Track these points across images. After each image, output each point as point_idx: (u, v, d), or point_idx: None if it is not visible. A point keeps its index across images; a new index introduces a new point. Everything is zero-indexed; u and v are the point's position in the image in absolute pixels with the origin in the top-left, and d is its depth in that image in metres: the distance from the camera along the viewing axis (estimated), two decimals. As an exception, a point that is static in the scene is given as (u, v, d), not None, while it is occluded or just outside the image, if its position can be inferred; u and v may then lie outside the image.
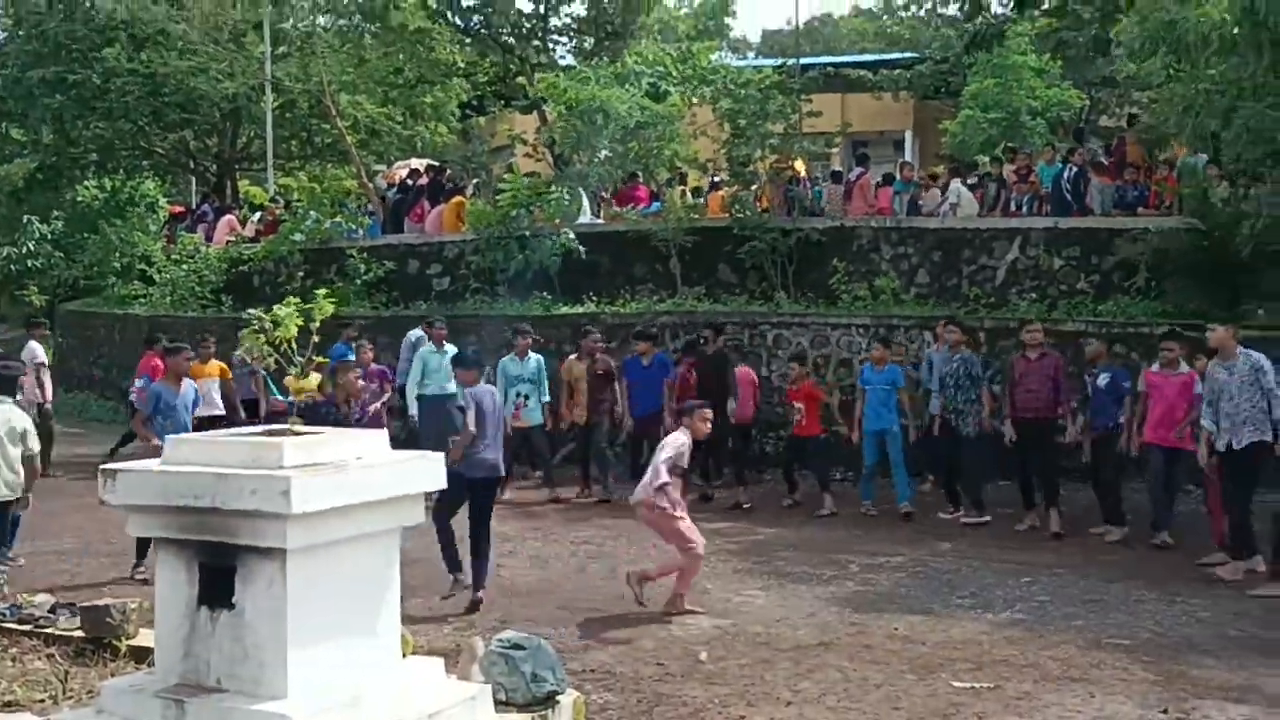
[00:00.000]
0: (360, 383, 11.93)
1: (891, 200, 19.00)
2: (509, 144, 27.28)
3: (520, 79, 32.76)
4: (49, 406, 15.69)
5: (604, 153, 20.74)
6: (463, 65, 32.06)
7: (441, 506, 9.39)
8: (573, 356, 14.76)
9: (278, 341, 5.24)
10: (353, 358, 13.47)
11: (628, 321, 16.32)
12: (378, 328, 17.60)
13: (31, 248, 27.31)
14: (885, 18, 48.31)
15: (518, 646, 6.17)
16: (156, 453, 5.80)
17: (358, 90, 29.75)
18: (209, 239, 23.53)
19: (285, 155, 33.28)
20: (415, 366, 14.71)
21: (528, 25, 35.09)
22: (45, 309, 25.18)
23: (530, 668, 6.08)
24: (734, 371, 14.17)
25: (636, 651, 8.21)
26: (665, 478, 9.18)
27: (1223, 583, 10.05)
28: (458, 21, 34.18)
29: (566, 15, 35.52)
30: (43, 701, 6.56)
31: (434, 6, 32.61)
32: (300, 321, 5.22)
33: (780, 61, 25.83)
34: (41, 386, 15.38)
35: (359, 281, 19.32)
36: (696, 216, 18.60)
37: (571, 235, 17.82)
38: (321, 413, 11.28)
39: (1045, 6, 26.13)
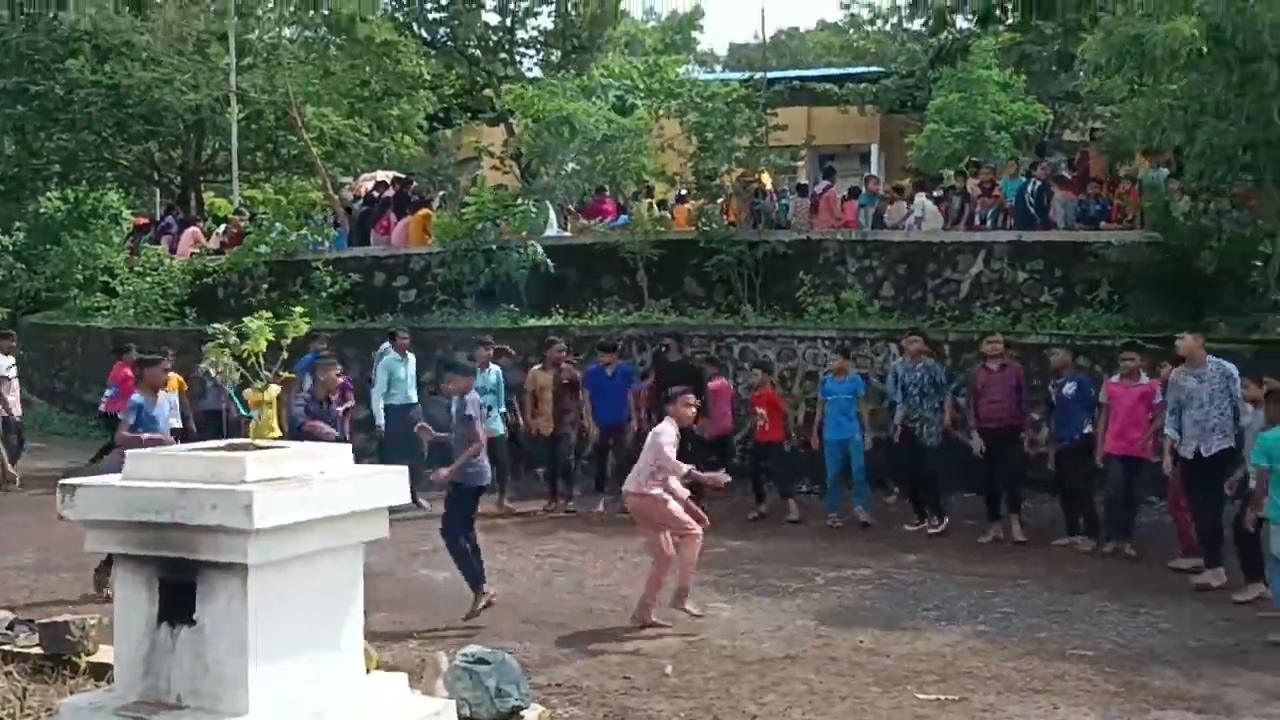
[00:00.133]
0: (340, 379, 12.09)
1: (857, 214, 19.09)
2: (476, 156, 27.29)
3: (487, 91, 32.76)
4: (15, 419, 15.51)
5: (571, 165, 20.76)
6: (429, 78, 32.00)
7: (458, 521, 9.39)
8: (537, 367, 14.72)
9: (244, 355, 5.21)
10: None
11: (595, 334, 16.31)
12: (344, 340, 17.51)
13: (-7, 259, 27.01)
14: (851, 32, 48.51)
15: (482, 661, 6.15)
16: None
17: (324, 102, 29.62)
18: (173, 251, 23.34)
19: (250, 167, 33.07)
20: (381, 377, 14.65)
21: (494, 38, 35.09)
22: (7, 321, 24.91)
23: (495, 682, 6.07)
24: (707, 385, 13.72)
25: (602, 665, 8.19)
26: (667, 458, 9.15)
27: (1209, 590, 10.12)
28: (424, 34, 34.14)
29: (533, 28, 35.60)
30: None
31: (400, 19, 32.56)
32: (271, 337, 5.20)
33: (747, 75, 25.90)
34: (3, 401, 15.17)
35: (325, 294, 19.23)
36: (663, 229, 18.64)
37: (538, 248, 17.81)
38: (313, 410, 11.34)
39: (1009, 22, 26.36)
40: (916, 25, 34.03)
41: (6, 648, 7.63)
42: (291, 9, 30.57)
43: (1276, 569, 8.85)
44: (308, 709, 4.73)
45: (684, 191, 21.08)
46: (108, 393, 15.54)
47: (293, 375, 5.62)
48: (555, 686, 7.66)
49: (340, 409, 12.38)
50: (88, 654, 7.31)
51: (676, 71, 23.39)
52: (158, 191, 35.53)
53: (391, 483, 5.16)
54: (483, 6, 34.08)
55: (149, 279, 21.62)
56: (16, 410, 15.73)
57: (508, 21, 34.79)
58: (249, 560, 4.52)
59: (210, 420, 15.06)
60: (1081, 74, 21.55)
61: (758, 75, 24.52)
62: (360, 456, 5.32)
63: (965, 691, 7.56)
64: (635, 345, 16.26)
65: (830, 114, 29.14)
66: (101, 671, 6.84)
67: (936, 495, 13.06)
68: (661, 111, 21.69)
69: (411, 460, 13.68)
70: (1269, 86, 11.77)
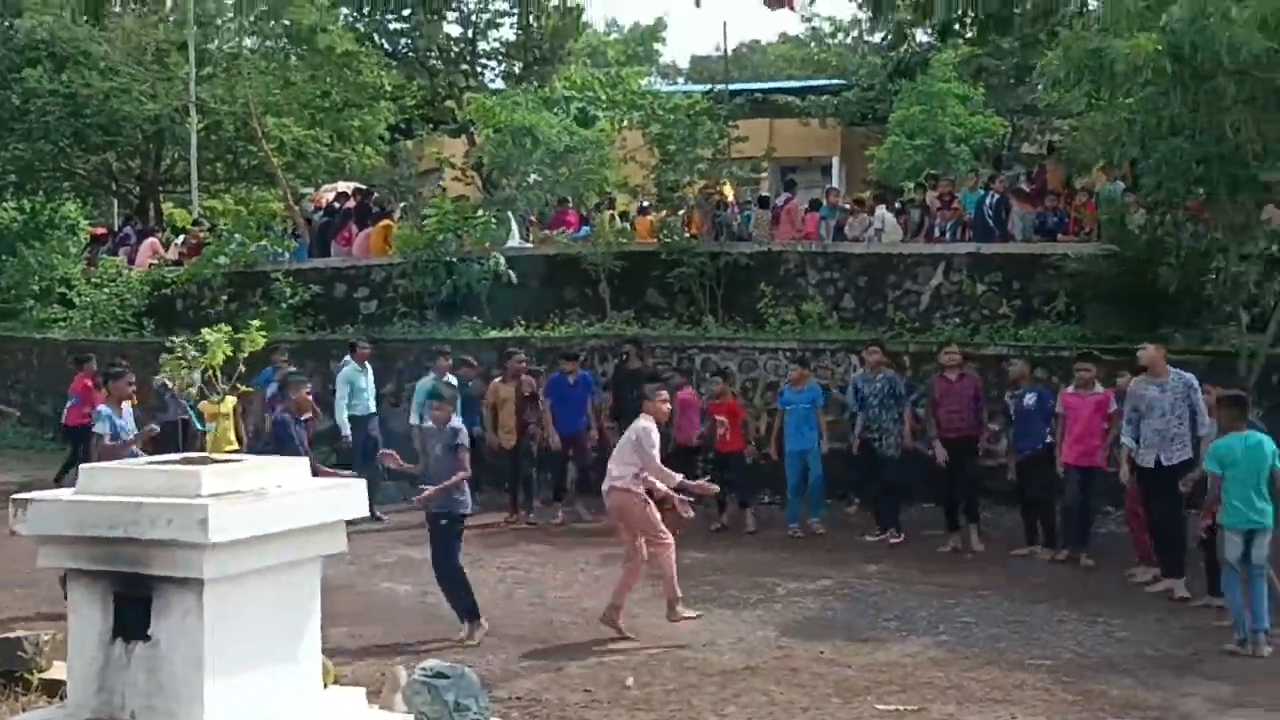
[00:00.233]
0: (308, 397, 12.10)
1: (818, 226, 19.16)
2: (437, 167, 27.15)
3: (449, 103, 32.66)
4: None
5: (533, 177, 20.73)
6: (390, 88, 31.89)
7: (451, 550, 9.29)
8: (498, 379, 14.66)
9: (202, 367, 5.17)
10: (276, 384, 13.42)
11: (557, 345, 16.28)
12: (304, 351, 17.40)
13: (-54, 270, 26.65)
14: (812, 45, 48.68)
15: (441, 675, 6.13)
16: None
17: (284, 112, 29.44)
18: (131, 262, 23.12)
19: (210, 177, 32.83)
20: (342, 389, 14.59)
21: (456, 49, 35.02)
22: (-39, 333, 24.60)
23: (454, 696, 6.04)
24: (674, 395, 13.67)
25: (563, 678, 8.17)
26: (660, 467, 9.15)
27: (1171, 598, 10.20)
28: (385, 45, 34.00)
29: (495, 40, 35.56)
30: (-49, 738, 6.39)
31: (361, 30, 32.44)
32: (229, 350, 5.17)
33: (709, 87, 25.97)
34: None
35: (285, 305, 19.11)
36: (625, 241, 18.66)
37: (500, 259, 17.76)
38: (288, 427, 11.25)
39: (968, 35, 26.56)
40: (877, 38, 34.23)
41: (-42, 665, 7.52)
42: (252, 19, 30.38)
43: (1232, 576, 8.94)
44: (264, 725, 4.69)
45: (646, 203, 21.11)
46: (69, 404, 15.38)
47: (249, 390, 5.58)
48: (515, 700, 7.63)
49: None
50: (40, 671, 7.21)
51: (639, 83, 23.45)
52: (116, 202, 35.20)
53: (349, 496, 5.14)
54: (444, 18, 34.00)
55: (106, 290, 21.41)
56: None
57: (469, 33, 34.74)
58: (204, 575, 4.48)
59: (169, 433, 14.91)
60: (1040, 87, 21.79)
61: (720, 87, 24.57)
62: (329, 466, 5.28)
63: (925, 702, 7.59)
64: (597, 356, 16.24)
65: (792, 126, 29.26)
66: (54, 688, 6.76)
67: (896, 507, 13.12)
68: (624, 123, 21.72)
69: (372, 472, 13.68)
70: (1225, 102, 11.93)
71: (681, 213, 18.67)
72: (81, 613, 4.77)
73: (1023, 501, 12.51)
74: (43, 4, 27.54)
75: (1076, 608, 10.00)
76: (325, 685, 5.38)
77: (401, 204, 24.44)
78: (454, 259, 18.01)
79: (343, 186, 25.63)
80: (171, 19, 30.56)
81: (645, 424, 9.39)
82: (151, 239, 24.44)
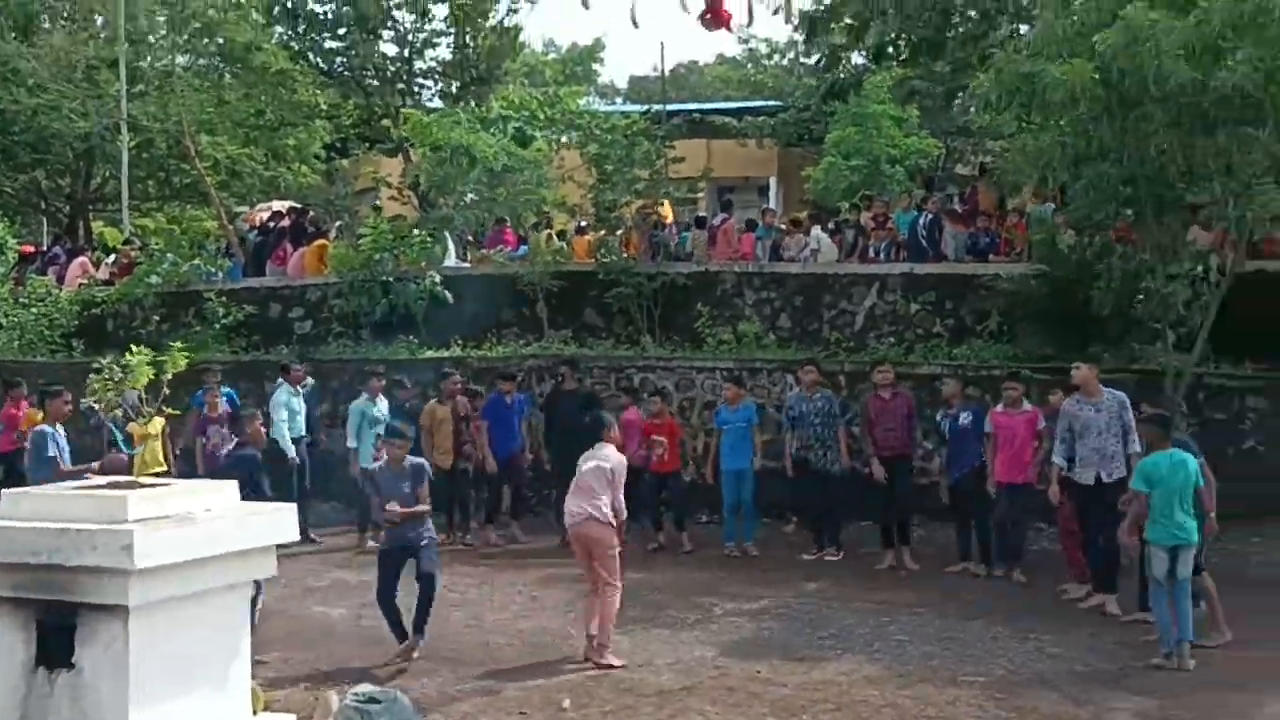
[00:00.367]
0: (261, 429, 12.22)
1: (754, 246, 19.25)
2: (374, 187, 27.01)
3: (385, 122, 32.52)
4: None
5: (470, 196, 20.67)
6: (326, 107, 31.69)
7: (388, 580, 9.28)
8: (433, 401, 14.54)
9: (128, 388, 5.11)
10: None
11: (494, 365, 16.22)
12: (238, 372, 17.18)
13: None
14: (749, 66, 49.20)
15: (373, 700, 6.07)
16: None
17: (218, 131, 29.16)
18: (60, 281, 22.73)
19: (142, 196, 32.41)
20: (279, 413, 14.39)
21: (392, 69, 34.86)
22: (-116, 354, 24.06)
23: (387, 721, 5.99)
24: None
25: (499, 702, 8.13)
26: (619, 493, 9.14)
27: (1104, 614, 10.33)
28: (320, 64, 33.78)
29: (431, 59, 35.41)
30: None
31: (296, 49, 32.22)
32: (151, 373, 5.10)
33: (647, 107, 26.10)
34: None
35: (218, 325, 18.86)
36: (563, 260, 18.63)
37: (437, 279, 17.67)
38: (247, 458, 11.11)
39: (902, 58, 26.92)
40: (812, 60, 34.59)
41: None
42: (185, 37, 30.13)
43: (1158, 591, 9.08)
44: (191, 753, 4.62)
45: (584, 223, 21.13)
46: (-3, 430, 15.08)
47: (177, 412, 5.52)
48: (451, 724, 7.58)
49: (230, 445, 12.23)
50: (-37, 700, 7.06)
51: (576, 103, 23.47)
52: (45, 220, 34.69)
53: (279, 520, 5.09)
54: (380, 37, 33.88)
55: (34, 310, 21.01)
56: None
57: (405, 52, 34.59)
58: (130, 601, 4.42)
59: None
60: (971, 109, 22.11)
61: (657, 107, 24.74)
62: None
63: (859, 719, 7.63)
64: (535, 376, 16.20)
65: (729, 146, 29.43)
66: (-23, 718, 6.62)
67: (837, 524, 13.19)
68: (562, 142, 21.73)
69: (304, 496, 13.55)
70: (1152, 126, 12.21)
71: (619, 233, 18.69)
72: (3, 641, 4.68)
73: (958, 519, 12.62)
74: (-32, 21, 27.17)
75: (1009, 624, 10.10)
76: (255, 712, 5.32)
77: (337, 223, 24.23)
78: (390, 279, 17.88)
79: (277, 205, 25.37)
80: (102, 36, 30.22)
81: (615, 454, 9.33)
82: (81, 258, 24.03)
